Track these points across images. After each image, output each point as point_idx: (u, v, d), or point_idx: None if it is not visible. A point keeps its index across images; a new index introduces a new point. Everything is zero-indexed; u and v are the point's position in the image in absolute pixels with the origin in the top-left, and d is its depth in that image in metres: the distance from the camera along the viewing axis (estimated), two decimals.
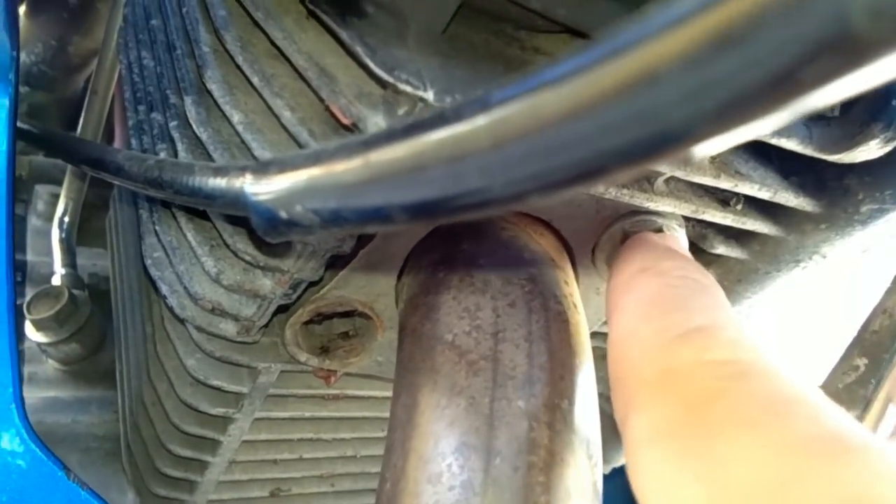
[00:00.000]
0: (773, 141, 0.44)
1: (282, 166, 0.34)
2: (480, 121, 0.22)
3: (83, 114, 0.98)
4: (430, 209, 0.25)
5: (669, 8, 0.17)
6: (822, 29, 0.15)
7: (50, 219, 1.06)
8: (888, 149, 0.45)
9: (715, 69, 0.16)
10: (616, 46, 0.18)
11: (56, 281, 0.94)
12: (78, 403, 0.88)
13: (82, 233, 1.10)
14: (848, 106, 0.46)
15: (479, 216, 0.24)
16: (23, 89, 1.39)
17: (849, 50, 0.15)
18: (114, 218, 0.95)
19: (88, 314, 0.90)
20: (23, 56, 1.39)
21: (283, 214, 0.33)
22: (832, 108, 0.47)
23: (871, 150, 0.45)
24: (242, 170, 0.37)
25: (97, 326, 0.92)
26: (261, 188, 0.35)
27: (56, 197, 1.08)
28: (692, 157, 0.18)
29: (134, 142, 0.67)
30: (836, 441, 0.28)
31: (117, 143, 1.33)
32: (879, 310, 0.55)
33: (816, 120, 0.46)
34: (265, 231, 0.36)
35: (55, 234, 0.98)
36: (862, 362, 0.54)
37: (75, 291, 0.91)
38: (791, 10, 0.15)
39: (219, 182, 0.40)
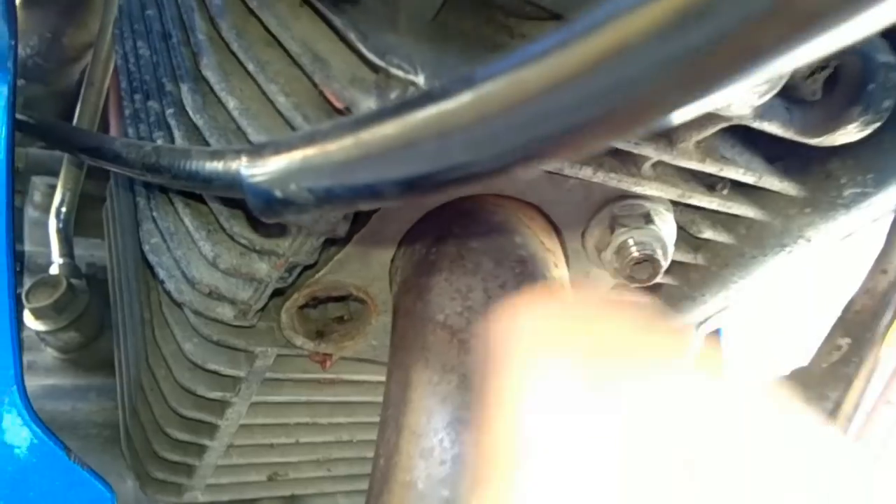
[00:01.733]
0: (755, 124, 0.45)
1: (276, 148, 0.35)
2: (465, 97, 0.23)
3: (79, 105, 0.99)
4: (420, 184, 0.26)
5: None
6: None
7: (47, 210, 1.07)
8: (867, 132, 0.46)
9: (679, 42, 0.17)
10: (589, 25, 0.19)
11: (54, 270, 0.94)
12: (77, 391, 0.89)
13: (79, 224, 1.11)
14: (828, 90, 0.47)
15: (466, 190, 0.25)
16: (18, 82, 1.39)
17: (796, 20, 0.16)
18: (111, 208, 0.96)
19: (86, 302, 0.91)
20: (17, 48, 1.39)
21: (279, 194, 0.34)
22: (813, 93, 0.49)
23: (850, 133, 0.46)
24: (238, 153, 0.39)
25: (95, 314, 0.93)
26: (256, 169, 0.36)
27: (53, 188, 1.09)
28: (663, 125, 0.19)
29: (131, 130, 0.68)
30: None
31: (113, 134, 1.34)
32: (862, 290, 0.56)
33: (797, 103, 0.47)
34: (261, 211, 0.37)
35: (52, 225, 0.99)
36: (845, 342, 0.56)
37: (73, 280, 0.92)
38: None
39: (215, 165, 0.41)
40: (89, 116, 0.97)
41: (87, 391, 0.90)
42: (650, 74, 0.18)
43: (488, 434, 0.31)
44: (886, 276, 0.52)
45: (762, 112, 0.44)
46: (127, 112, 0.70)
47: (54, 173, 1.17)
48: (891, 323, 0.51)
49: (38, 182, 1.15)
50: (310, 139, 0.32)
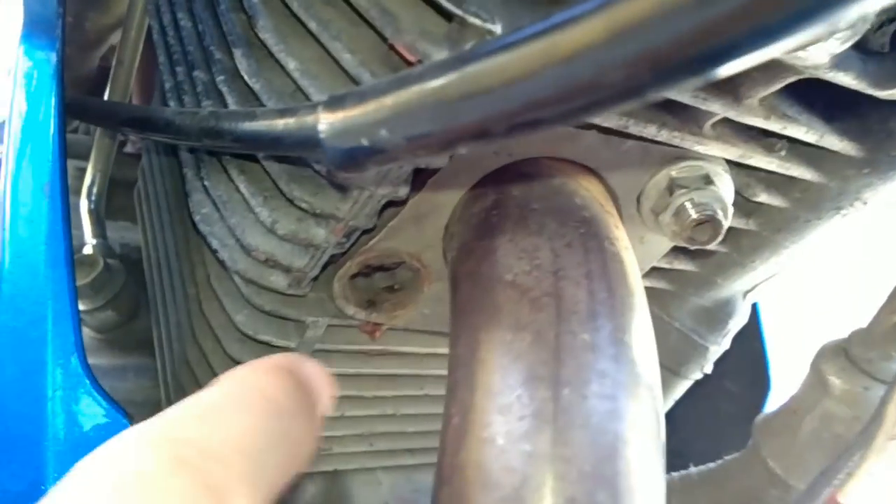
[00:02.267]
0: (830, 76, 0.44)
1: (360, 97, 0.34)
2: (596, 19, 0.23)
3: (109, 84, 0.98)
4: (538, 117, 0.25)
5: None
6: None
7: (76, 192, 1.07)
8: None
9: None
10: None
11: (88, 251, 0.94)
12: (115, 371, 0.89)
13: (106, 208, 1.11)
14: None
15: (590, 118, 0.24)
16: None
17: None
18: (143, 188, 0.95)
19: (123, 282, 0.91)
20: None
21: (365, 142, 0.34)
22: (882, 46, 0.48)
23: None
24: (313, 107, 0.38)
25: (132, 294, 0.93)
26: (338, 121, 0.35)
27: (81, 171, 1.08)
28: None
29: (172, 104, 0.67)
30: None
31: None
32: None
33: (871, 55, 0.46)
34: (341, 163, 0.36)
35: (84, 206, 0.99)
36: None
37: (109, 260, 0.91)
38: None
39: (287, 122, 0.40)
40: (120, 94, 0.96)
41: (125, 371, 0.90)
42: None
43: None
44: None
45: (838, 62, 0.43)
46: (167, 86, 0.70)
47: (81, 157, 1.16)
48: None
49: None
50: (401, 83, 0.31)
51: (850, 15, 0.19)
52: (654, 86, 0.22)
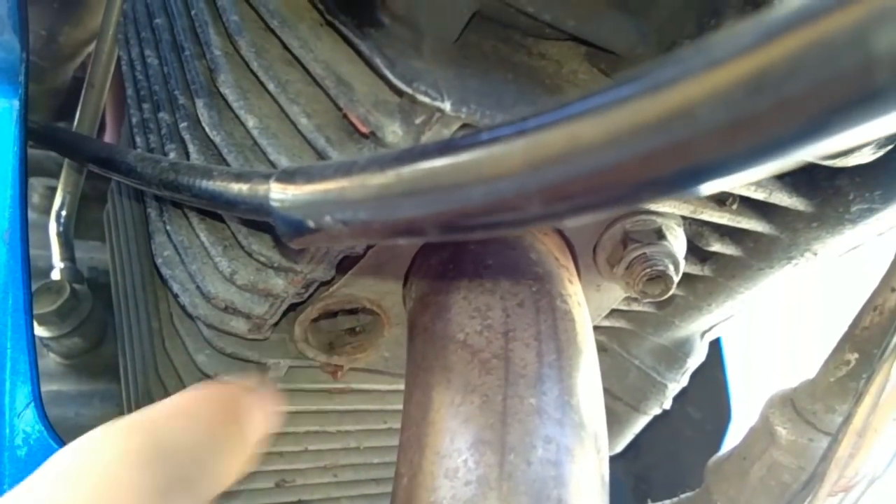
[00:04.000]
0: None
1: (309, 176, 0.35)
2: (519, 143, 0.24)
3: (79, 107, 0.97)
4: (466, 224, 0.26)
5: (708, 50, 0.19)
6: (848, 78, 0.17)
7: (45, 212, 1.06)
8: (880, 154, 0.47)
9: (748, 109, 0.18)
10: (655, 82, 0.20)
11: (55, 275, 0.94)
12: (81, 397, 0.89)
13: (77, 225, 1.10)
14: None
15: (513, 232, 0.25)
16: None
17: (873, 97, 0.16)
18: (112, 212, 0.95)
19: (90, 308, 0.90)
20: None
21: (311, 224, 0.34)
22: None
23: (864, 155, 0.47)
24: (266, 177, 0.39)
25: (99, 320, 0.93)
26: (287, 197, 0.36)
27: (51, 189, 1.08)
28: (722, 188, 0.20)
29: (139, 140, 0.67)
30: None
31: (108, 137, 1.33)
32: (870, 306, 0.57)
33: None
34: (290, 238, 0.37)
35: (52, 228, 0.98)
36: (853, 357, 0.57)
37: (76, 286, 0.91)
38: (821, 59, 0.17)
39: (241, 188, 0.41)
40: (89, 119, 0.96)
41: (91, 397, 0.90)
42: (714, 140, 0.19)
43: None
44: (895, 294, 0.53)
45: None
46: (134, 120, 0.70)
47: (52, 174, 1.16)
48: None
49: (35, 184, 1.14)
50: (346, 171, 0.32)
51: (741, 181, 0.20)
52: (571, 214, 0.23)
